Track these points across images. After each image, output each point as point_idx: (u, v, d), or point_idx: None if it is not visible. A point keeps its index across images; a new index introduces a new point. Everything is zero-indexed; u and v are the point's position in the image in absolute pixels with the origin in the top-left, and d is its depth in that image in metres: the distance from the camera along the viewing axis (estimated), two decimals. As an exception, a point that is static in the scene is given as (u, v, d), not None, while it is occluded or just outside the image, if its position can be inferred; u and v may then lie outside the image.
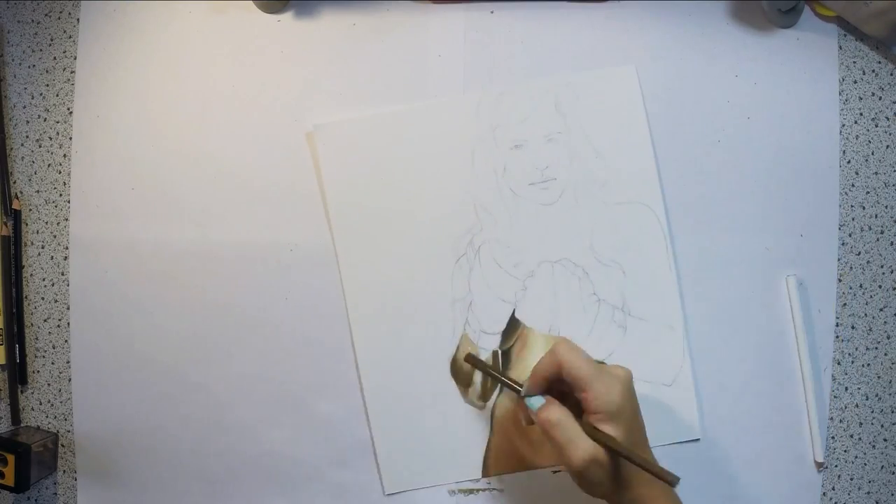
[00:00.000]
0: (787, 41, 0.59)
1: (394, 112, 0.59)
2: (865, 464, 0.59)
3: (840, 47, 0.59)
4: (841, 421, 0.59)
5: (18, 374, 0.61)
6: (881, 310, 0.59)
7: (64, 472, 0.61)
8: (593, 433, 0.47)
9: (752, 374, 0.58)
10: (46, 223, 0.61)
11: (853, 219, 0.59)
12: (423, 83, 0.59)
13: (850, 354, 0.59)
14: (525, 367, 0.58)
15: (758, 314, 0.58)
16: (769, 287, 0.58)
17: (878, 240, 0.59)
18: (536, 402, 0.49)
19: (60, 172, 0.61)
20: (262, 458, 0.60)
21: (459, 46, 0.59)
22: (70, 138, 0.61)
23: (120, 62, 0.61)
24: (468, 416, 0.58)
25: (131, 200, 0.60)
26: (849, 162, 0.59)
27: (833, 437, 0.59)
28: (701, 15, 0.59)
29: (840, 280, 0.59)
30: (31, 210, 0.62)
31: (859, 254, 0.59)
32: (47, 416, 0.61)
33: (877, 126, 0.59)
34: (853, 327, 0.59)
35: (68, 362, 0.61)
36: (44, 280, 0.61)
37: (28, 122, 0.62)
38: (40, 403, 0.62)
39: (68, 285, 0.61)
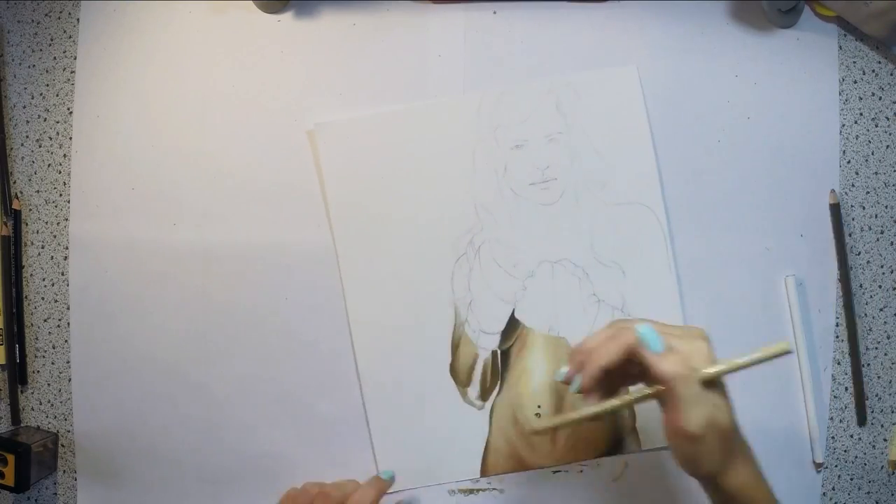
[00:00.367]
0: (787, 41, 0.59)
1: (395, 111, 0.59)
2: (865, 464, 0.59)
3: (840, 47, 0.59)
4: (841, 421, 0.59)
5: (18, 374, 0.61)
6: (881, 310, 0.59)
7: (64, 472, 0.61)
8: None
9: (752, 374, 0.58)
10: (46, 223, 0.61)
11: (853, 219, 0.59)
12: (423, 83, 0.59)
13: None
14: (524, 367, 0.58)
15: (758, 314, 0.58)
16: (769, 287, 0.58)
17: (878, 240, 0.59)
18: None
19: (60, 172, 0.61)
20: (262, 458, 0.60)
21: (459, 46, 0.59)
22: (70, 138, 0.61)
23: (120, 62, 0.61)
24: (467, 416, 0.58)
25: (131, 200, 0.60)
26: (849, 162, 0.59)
27: (833, 437, 0.59)
28: (701, 15, 0.59)
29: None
30: (31, 210, 0.62)
31: (859, 254, 0.59)
32: (47, 416, 0.61)
33: (877, 126, 0.59)
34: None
35: (68, 362, 0.61)
36: (44, 280, 0.61)
37: (28, 122, 0.62)
38: (40, 403, 0.62)
39: (68, 285, 0.61)
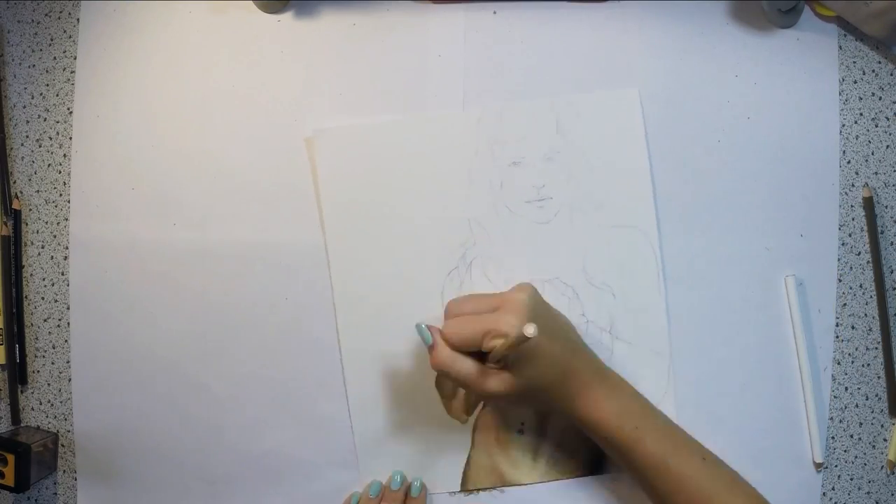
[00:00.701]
0: (787, 41, 0.59)
1: (394, 121, 0.59)
2: (865, 464, 0.59)
3: (840, 47, 0.59)
4: (841, 421, 0.59)
5: (18, 374, 0.61)
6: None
7: (64, 472, 0.61)
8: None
9: (752, 374, 0.58)
10: (46, 223, 0.61)
11: (853, 219, 0.59)
12: (423, 83, 0.59)
13: (850, 354, 0.59)
14: None
15: (758, 314, 0.58)
16: (769, 287, 0.58)
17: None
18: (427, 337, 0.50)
19: (60, 172, 0.61)
20: (262, 458, 0.60)
21: (459, 46, 0.59)
22: (70, 138, 0.61)
23: (120, 62, 0.61)
24: (450, 429, 0.58)
25: (131, 200, 0.60)
26: (849, 162, 0.59)
27: (833, 437, 0.59)
28: (701, 15, 0.59)
29: (840, 280, 0.59)
30: (31, 210, 0.62)
31: (859, 254, 0.59)
32: (47, 416, 0.61)
33: (877, 126, 0.59)
34: (853, 327, 0.59)
35: (68, 362, 0.61)
36: (44, 280, 0.61)
37: (28, 122, 0.62)
38: (40, 403, 0.62)
39: (68, 285, 0.61)
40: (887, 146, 0.59)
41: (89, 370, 0.61)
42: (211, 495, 0.60)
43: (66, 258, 0.61)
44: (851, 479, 0.59)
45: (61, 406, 0.61)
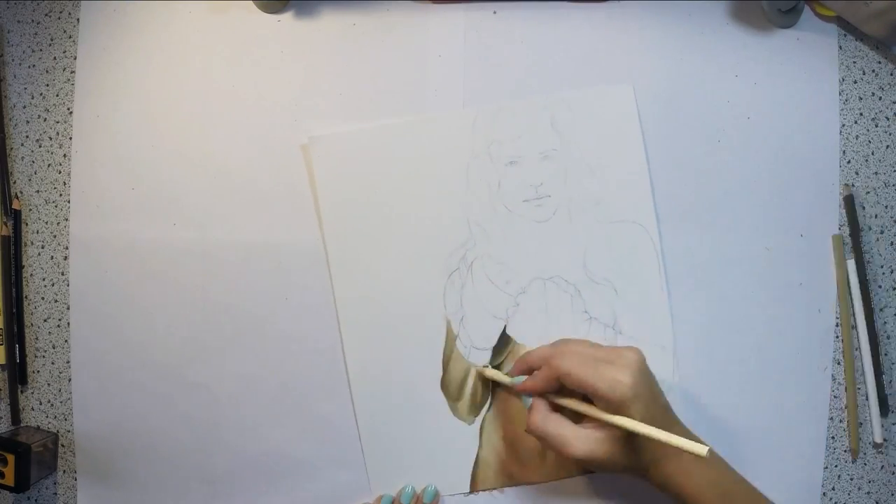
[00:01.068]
0: (787, 41, 0.59)
1: (390, 125, 0.59)
2: (865, 464, 0.59)
3: (840, 47, 0.59)
4: (841, 421, 0.59)
5: (18, 374, 0.61)
6: (881, 310, 0.59)
7: (64, 472, 0.61)
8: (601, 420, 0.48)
9: (752, 374, 0.58)
10: (46, 223, 0.61)
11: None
12: (423, 83, 0.59)
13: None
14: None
15: (758, 314, 0.58)
16: (769, 287, 0.58)
17: (877, 240, 0.59)
18: (526, 401, 0.51)
19: (60, 172, 0.61)
20: (262, 458, 0.60)
21: (459, 46, 0.59)
22: (70, 138, 0.61)
23: (120, 62, 0.61)
24: (457, 430, 0.58)
25: (131, 200, 0.60)
26: (849, 162, 0.59)
27: (833, 437, 0.59)
28: (701, 15, 0.59)
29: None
30: (31, 210, 0.62)
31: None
32: (47, 416, 0.61)
33: (877, 126, 0.59)
34: (853, 327, 0.59)
35: (68, 362, 0.61)
36: (44, 280, 0.61)
37: (28, 122, 0.62)
38: (40, 403, 0.62)
39: (68, 285, 0.61)
40: (887, 146, 0.59)
41: (89, 370, 0.61)
42: (210, 495, 0.60)
43: (66, 258, 0.61)
44: (851, 479, 0.59)
45: (61, 406, 0.61)
